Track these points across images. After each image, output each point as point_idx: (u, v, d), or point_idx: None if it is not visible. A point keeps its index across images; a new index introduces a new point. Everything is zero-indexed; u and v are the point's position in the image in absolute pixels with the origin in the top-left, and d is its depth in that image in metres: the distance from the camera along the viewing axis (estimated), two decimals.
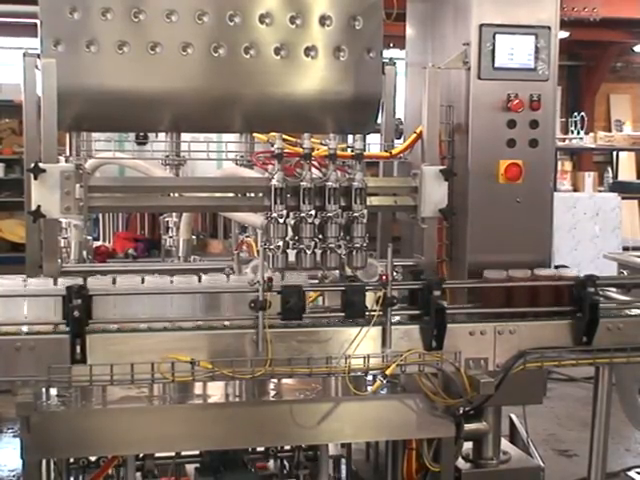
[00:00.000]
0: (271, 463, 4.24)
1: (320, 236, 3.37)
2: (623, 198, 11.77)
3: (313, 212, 3.34)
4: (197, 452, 3.90)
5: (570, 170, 14.18)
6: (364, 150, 3.53)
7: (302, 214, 3.33)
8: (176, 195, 3.69)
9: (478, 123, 3.80)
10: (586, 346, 3.47)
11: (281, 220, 3.32)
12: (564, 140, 13.07)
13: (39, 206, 3.25)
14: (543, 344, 3.43)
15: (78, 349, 3.02)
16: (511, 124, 3.81)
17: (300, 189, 3.33)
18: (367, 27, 3.79)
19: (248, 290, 3.18)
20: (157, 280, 3.35)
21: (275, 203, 3.31)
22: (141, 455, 3.77)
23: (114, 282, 3.30)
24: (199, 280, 3.35)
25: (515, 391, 3.50)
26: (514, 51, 3.78)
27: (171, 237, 4.20)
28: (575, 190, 13.59)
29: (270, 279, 3.17)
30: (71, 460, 3.80)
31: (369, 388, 3.43)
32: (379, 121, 4.01)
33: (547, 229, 3.95)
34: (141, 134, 4.46)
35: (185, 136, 4.02)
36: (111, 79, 3.62)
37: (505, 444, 4.19)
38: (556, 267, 3.77)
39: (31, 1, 3.84)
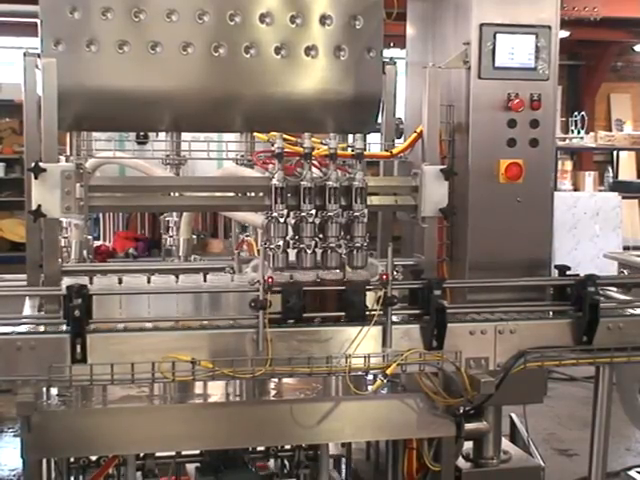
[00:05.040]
0: (271, 462, 4.24)
1: (320, 235, 3.37)
2: (623, 197, 11.78)
3: (313, 211, 3.34)
4: (197, 451, 3.90)
5: (570, 169, 14.17)
6: (364, 149, 3.53)
7: (302, 213, 3.33)
8: (176, 194, 3.69)
9: (478, 122, 3.80)
10: (586, 345, 3.47)
11: (281, 219, 3.32)
12: (564, 139, 13.07)
13: (39, 205, 3.25)
14: (543, 343, 3.43)
15: (78, 348, 3.02)
16: (511, 123, 3.81)
17: (300, 188, 3.33)
18: (367, 26, 3.79)
19: (249, 290, 3.18)
20: (161, 280, 3.35)
21: (275, 202, 3.31)
22: (141, 454, 3.77)
23: (120, 282, 3.31)
24: (204, 279, 3.36)
25: (515, 390, 3.50)
26: (514, 50, 3.79)
27: (171, 236, 4.19)
28: (575, 189, 13.59)
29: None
30: (71, 459, 3.80)
31: (369, 388, 3.44)
32: (379, 120, 4.01)
33: (547, 228, 3.95)
34: (141, 134, 4.46)
35: (185, 136, 4.02)
36: (111, 79, 3.62)
37: (505, 443, 4.19)
38: (556, 267, 3.77)
39: (31, 1, 3.84)
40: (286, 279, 3.27)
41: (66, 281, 3.23)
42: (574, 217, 10.98)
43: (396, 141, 4.06)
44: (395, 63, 3.97)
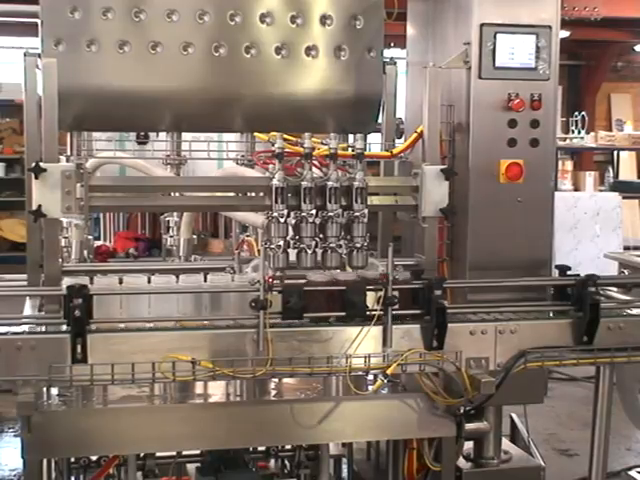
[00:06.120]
0: (272, 462, 4.24)
1: (321, 235, 3.37)
2: (624, 197, 11.76)
3: (314, 211, 3.34)
4: (198, 451, 3.90)
5: (571, 169, 14.15)
6: (365, 149, 3.53)
7: (303, 213, 3.33)
8: (177, 194, 3.69)
9: (479, 122, 3.80)
10: (587, 346, 3.47)
11: (282, 219, 3.32)
12: (565, 139, 13.06)
13: (40, 205, 3.25)
14: (544, 343, 3.43)
15: (79, 348, 3.02)
16: (512, 123, 3.81)
17: (301, 188, 3.33)
18: (368, 26, 3.79)
19: (249, 290, 3.18)
20: (161, 280, 3.35)
21: (276, 202, 3.31)
22: (142, 455, 3.77)
23: (121, 282, 3.31)
24: (204, 280, 3.36)
25: (516, 390, 3.50)
26: (515, 50, 3.79)
27: (172, 237, 4.20)
28: (576, 190, 13.57)
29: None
30: (72, 459, 3.81)
31: (370, 388, 3.44)
32: (380, 120, 4.01)
33: (548, 229, 3.95)
34: (142, 134, 4.46)
35: (186, 136, 4.02)
36: (112, 79, 3.62)
37: (506, 443, 4.19)
38: (557, 267, 3.77)
39: (32, 1, 3.84)
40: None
41: (66, 281, 3.23)
42: (574, 217, 10.97)
43: (396, 141, 4.06)
44: (395, 63, 3.97)
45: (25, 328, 3.17)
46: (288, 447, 4.10)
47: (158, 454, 3.83)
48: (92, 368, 3.04)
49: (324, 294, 3.30)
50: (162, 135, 4.03)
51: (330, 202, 3.34)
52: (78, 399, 3.33)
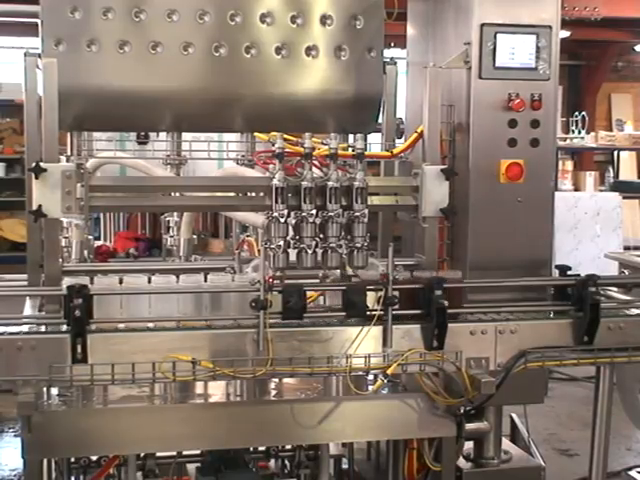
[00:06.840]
0: (272, 462, 4.24)
1: (321, 235, 3.37)
2: (624, 197, 11.75)
3: (314, 211, 3.34)
4: (198, 451, 3.90)
5: (571, 170, 14.14)
6: (365, 149, 3.53)
7: (303, 213, 3.33)
8: (177, 194, 3.69)
9: (479, 122, 3.80)
10: (587, 346, 3.47)
11: (282, 219, 3.32)
12: (565, 139, 13.05)
13: (40, 205, 3.25)
14: (544, 343, 3.43)
15: (79, 348, 3.02)
16: (512, 123, 3.81)
17: (301, 188, 3.33)
18: (368, 26, 3.79)
19: (250, 290, 3.18)
20: (162, 280, 3.35)
21: (276, 202, 3.31)
22: (142, 455, 3.77)
23: (121, 282, 3.31)
24: (205, 280, 3.36)
25: (516, 390, 3.50)
26: (515, 50, 3.79)
27: (172, 237, 4.20)
28: (576, 190, 13.55)
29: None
30: (72, 459, 3.80)
31: (370, 388, 3.44)
32: (380, 120, 4.02)
33: (548, 229, 3.95)
34: (142, 134, 4.46)
35: (186, 136, 4.02)
36: (112, 79, 3.62)
37: (506, 443, 4.19)
38: (557, 267, 3.77)
39: (32, 1, 3.84)
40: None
41: (67, 281, 3.23)
42: (575, 217, 10.97)
43: (397, 141, 4.06)
44: (396, 63, 3.97)
45: (25, 328, 3.17)
46: (288, 447, 4.10)
47: (158, 454, 3.82)
48: (92, 368, 3.04)
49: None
50: (162, 135, 4.03)
51: (330, 202, 3.34)
52: (78, 399, 3.33)
